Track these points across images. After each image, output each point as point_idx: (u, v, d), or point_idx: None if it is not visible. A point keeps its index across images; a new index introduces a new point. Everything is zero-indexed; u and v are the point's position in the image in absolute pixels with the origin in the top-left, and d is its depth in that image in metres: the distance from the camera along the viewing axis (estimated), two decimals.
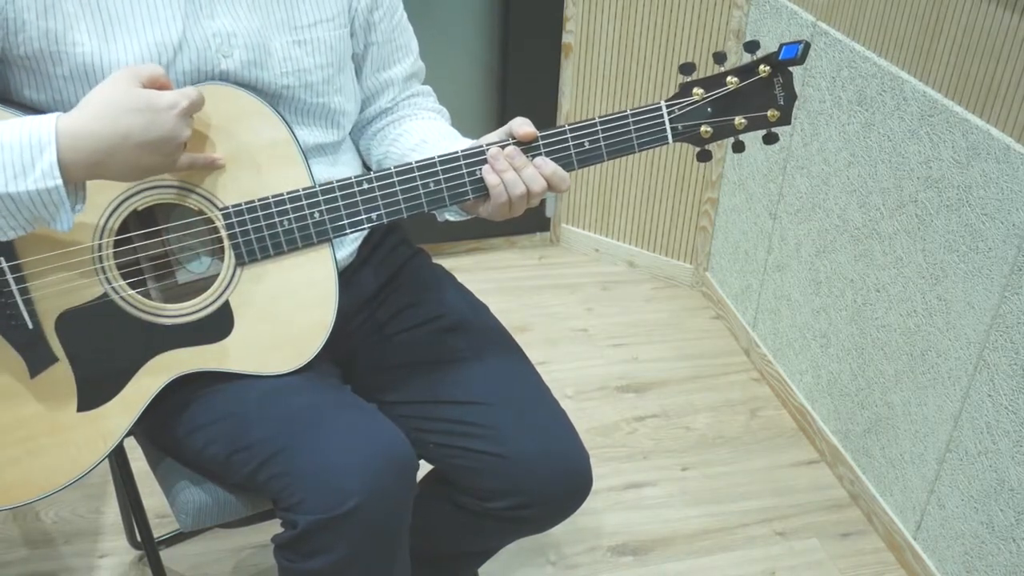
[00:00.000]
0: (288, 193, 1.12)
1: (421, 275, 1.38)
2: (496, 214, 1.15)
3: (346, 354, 1.32)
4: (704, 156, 1.20)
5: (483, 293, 1.42)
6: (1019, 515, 1.53)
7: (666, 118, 1.15)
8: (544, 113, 2.57)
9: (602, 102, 2.51)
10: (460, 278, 1.41)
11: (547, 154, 1.14)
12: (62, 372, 1.12)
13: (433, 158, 1.13)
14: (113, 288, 1.11)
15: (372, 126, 1.35)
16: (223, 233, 1.12)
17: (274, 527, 1.18)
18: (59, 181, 0.96)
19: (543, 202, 1.39)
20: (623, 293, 2.60)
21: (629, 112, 1.14)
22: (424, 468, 1.26)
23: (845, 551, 1.87)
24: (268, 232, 1.13)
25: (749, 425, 2.17)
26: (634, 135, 1.15)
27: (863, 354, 1.92)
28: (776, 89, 1.16)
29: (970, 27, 1.55)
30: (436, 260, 1.43)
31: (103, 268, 1.10)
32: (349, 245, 1.29)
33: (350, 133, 1.34)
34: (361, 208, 1.14)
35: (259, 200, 1.12)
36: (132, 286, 1.12)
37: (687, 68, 1.14)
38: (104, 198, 1.08)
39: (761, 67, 1.14)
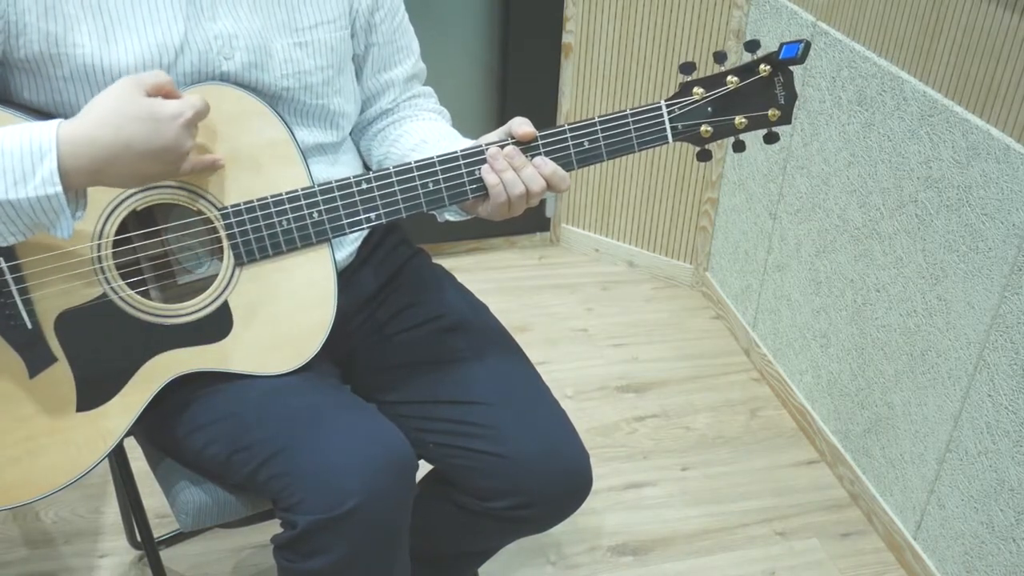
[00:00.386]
0: (287, 193, 1.12)
1: (421, 275, 1.38)
2: (495, 214, 1.15)
3: (346, 354, 1.32)
4: (704, 156, 1.20)
5: (483, 293, 1.42)
6: (1019, 515, 1.53)
7: (666, 118, 1.15)
8: (544, 113, 2.57)
9: (602, 102, 2.51)
10: (460, 278, 1.41)
11: (547, 154, 1.13)
12: (61, 372, 1.12)
13: (432, 158, 1.12)
14: (112, 288, 1.11)
15: (373, 127, 1.34)
16: (222, 233, 1.12)
17: (274, 527, 1.18)
18: (59, 188, 0.95)
19: (543, 202, 1.39)
20: (623, 293, 2.60)
21: (629, 112, 1.14)
22: (424, 468, 1.26)
23: (845, 551, 1.86)
24: (267, 232, 1.13)
25: (749, 425, 2.17)
26: (634, 135, 1.15)
27: (863, 354, 1.92)
28: (776, 88, 1.16)
29: (970, 27, 1.55)
30: (436, 260, 1.43)
31: (102, 268, 1.10)
32: (348, 245, 1.29)
33: (351, 134, 1.34)
34: (360, 208, 1.13)
35: (258, 200, 1.12)
36: (131, 286, 1.12)
37: (687, 68, 1.14)
38: (103, 199, 1.08)
39: (761, 66, 1.14)
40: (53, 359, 1.11)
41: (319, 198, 1.12)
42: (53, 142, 0.95)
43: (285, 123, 1.13)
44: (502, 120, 1.35)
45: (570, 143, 1.14)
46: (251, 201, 1.12)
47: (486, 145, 1.13)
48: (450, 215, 1.24)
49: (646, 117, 1.15)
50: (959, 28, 1.57)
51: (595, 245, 2.73)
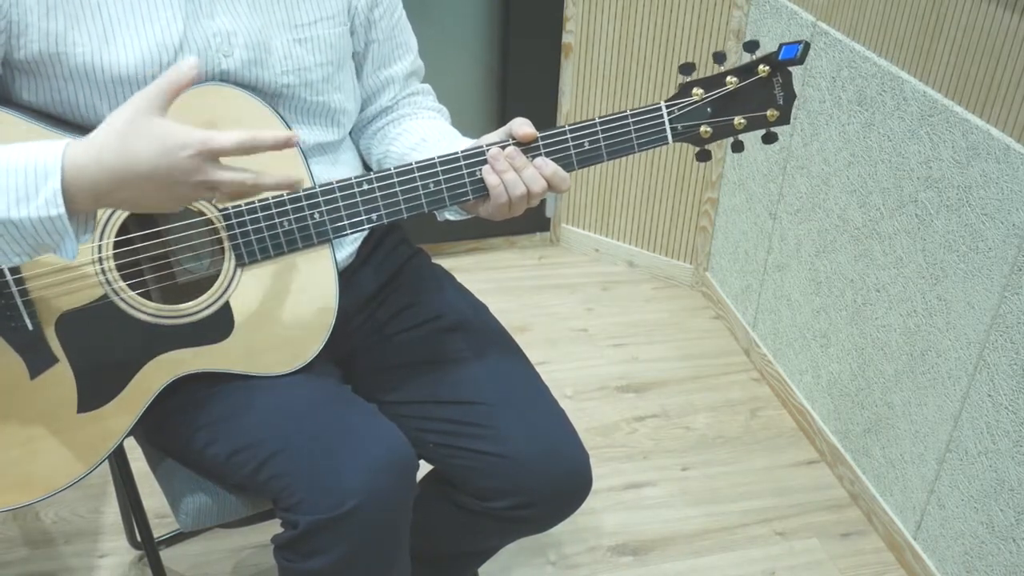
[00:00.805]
0: (288, 194, 1.12)
1: (421, 275, 1.38)
2: (496, 214, 1.15)
3: (346, 354, 1.32)
4: (704, 156, 1.20)
5: (483, 293, 1.42)
6: (1019, 515, 1.53)
7: (666, 118, 1.15)
8: (544, 113, 2.57)
9: (602, 102, 2.51)
10: (460, 278, 1.41)
11: (547, 154, 1.14)
12: (62, 373, 1.12)
13: (433, 159, 1.13)
14: (113, 289, 1.11)
15: (372, 125, 1.35)
16: (223, 234, 1.12)
17: (274, 527, 1.18)
18: (62, 210, 0.91)
19: (543, 202, 1.39)
20: (623, 293, 2.60)
21: (629, 112, 1.14)
22: (424, 468, 1.26)
23: (845, 551, 1.87)
24: (268, 233, 1.13)
25: (749, 425, 2.17)
26: (634, 135, 1.15)
27: (863, 354, 1.92)
28: (775, 89, 1.16)
29: (970, 27, 1.55)
30: (436, 260, 1.43)
31: (103, 269, 1.10)
32: (349, 245, 1.29)
33: (350, 133, 1.34)
34: (361, 208, 1.13)
35: (259, 201, 1.12)
36: (132, 287, 1.12)
37: (687, 68, 1.14)
38: None
39: (760, 67, 1.14)
40: (54, 360, 1.11)
41: (320, 199, 1.13)
42: (58, 163, 0.91)
43: (286, 123, 1.13)
44: (502, 120, 1.35)
45: (570, 144, 1.14)
46: (252, 202, 1.12)
47: (487, 146, 1.13)
48: (450, 214, 1.24)
49: (646, 118, 1.15)
50: (959, 28, 1.57)
51: (595, 245, 2.73)
